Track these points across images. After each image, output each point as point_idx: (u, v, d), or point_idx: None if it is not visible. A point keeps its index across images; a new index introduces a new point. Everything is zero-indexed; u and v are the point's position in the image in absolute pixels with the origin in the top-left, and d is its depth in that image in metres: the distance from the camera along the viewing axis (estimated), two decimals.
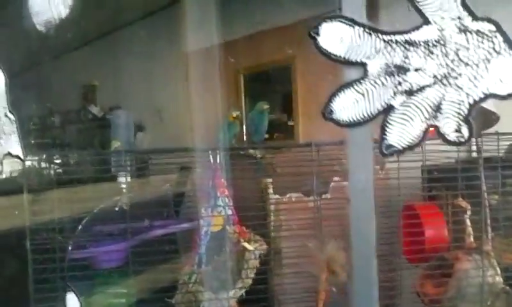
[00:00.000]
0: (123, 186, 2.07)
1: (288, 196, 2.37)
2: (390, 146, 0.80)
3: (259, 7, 3.89)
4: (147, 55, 4.75)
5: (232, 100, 4.28)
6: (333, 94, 0.80)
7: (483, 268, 1.80)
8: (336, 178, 2.41)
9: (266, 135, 3.86)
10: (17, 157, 1.15)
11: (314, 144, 1.92)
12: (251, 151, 2.87)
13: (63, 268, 1.72)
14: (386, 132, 0.80)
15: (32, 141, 5.35)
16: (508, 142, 1.92)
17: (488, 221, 1.93)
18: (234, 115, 3.61)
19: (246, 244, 1.84)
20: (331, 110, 0.80)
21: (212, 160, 1.88)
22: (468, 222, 1.95)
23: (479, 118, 2.00)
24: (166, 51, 4.57)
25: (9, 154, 1.15)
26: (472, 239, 1.94)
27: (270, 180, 2.40)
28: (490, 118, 2.03)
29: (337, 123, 0.80)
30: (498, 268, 1.85)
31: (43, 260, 1.68)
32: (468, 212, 1.94)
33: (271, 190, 2.36)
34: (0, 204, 1.91)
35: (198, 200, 1.99)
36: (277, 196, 2.37)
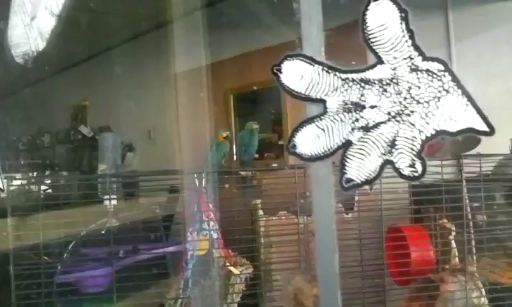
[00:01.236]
0: (110, 209, 2.06)
1: (277, 215, 2.36)
2: (350, 179, 0.83)
3: (247, 28, 3.93)
4: (137, 76, 4.78)
5: (221, 120, 4.30)
6: (296, 129, 0.84)
7: (466, 290, 1.80)
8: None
9: (256, 155, 3.86)
10: None
11: (297, 167, 1.93)
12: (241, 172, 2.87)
13: (48, 293, 1.70)
14: (345, 166, 0.82)
15: (22, 162, 5.36)
16: (491, 164, 1.94)
17: (473, 242, 1.94)
18: (224, 135, 3.62)
19: (231, 268, 1.83)
20: (294, 145, 0.83)
21: (197, 183, 1.88)
22: (453, 243, 1.95)
23: (461, 139, 2.02)
24: (155, 72, 4.60)
25: None
26: (457, 260, 1.95)
27: (259, 201, 2.40)
28: (472, 139, 2.04)
29: (300, 156, 0.83)
30: (483, 290, 1.86)
31: (27, 285, 1.66)
32: (453, 233, 1.95)
33: (260, 211, 2.36)
34: None
35: (183, 223, 2.00)
36: (267, 216, 2.37)
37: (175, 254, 2.10)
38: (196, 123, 3.39)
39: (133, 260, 2.04)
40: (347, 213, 2.28)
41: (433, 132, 0.81)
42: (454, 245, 1.95)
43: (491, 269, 1.96)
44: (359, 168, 0.82)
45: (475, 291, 1.85)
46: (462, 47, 3.13)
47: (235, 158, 4.17)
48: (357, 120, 0.83)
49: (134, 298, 1.87)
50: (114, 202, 2.08)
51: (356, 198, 2.23)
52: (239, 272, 1.84)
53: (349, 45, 0.92)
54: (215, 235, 1.86)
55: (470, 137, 1.94)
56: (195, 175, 1.88)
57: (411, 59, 0.82)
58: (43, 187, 2.08)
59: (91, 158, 4.91)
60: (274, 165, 3.87)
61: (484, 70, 3.03)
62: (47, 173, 5.14)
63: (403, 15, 0.80)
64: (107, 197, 1.91)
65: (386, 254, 2.04)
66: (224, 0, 4.05)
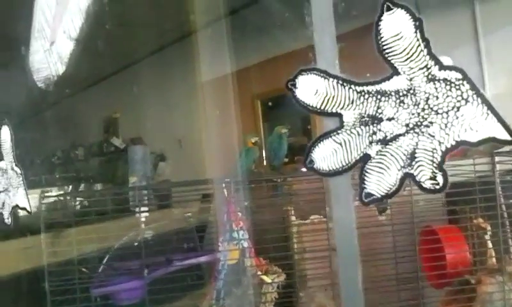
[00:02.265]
0: (141, 221, 2.09)
1: (310, 218, 2.34)
2: (370, 194, 0.81)
3: (272, 33, 3.93)
4: (165, 87, 4.84)
5: (250, 126, 4.30)
6: (313, 145, 0.83)
7: (504, 290, 1.76)
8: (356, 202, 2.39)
9: (286, 159, 3.85)
10: (24, 209, 1.18)
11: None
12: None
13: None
14: (364, 181, 0.81)
15: (57, 175, 5.48)
16: None
17: (510, 241, 1.89)
18: (253, 141, 3.62)
19: (263, 276, 1.83)
20: (312, 160, 0.82)
21: (226, 193, 1.88)
22: (489, 243, 1.91)
23: None
24: (182, 81, 4.64)
25: (17, 206, 1.17)
26: (494, 260, 1.90)
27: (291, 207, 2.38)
28: None
29: (318, 172, 0.82)
30: None
31: (63, 301, 1.69)
32: (489, 232, 1.90)
33: (293, 217, 2.35)
34: (20, 245, 1.94)
35: (216, 233, 2.00)
36: (299, 221, 2.35)
37: (210, 264, 2.10)
38: (225, 131, 3.40)
39: (166, 271, 2.06)
40: (380, 215, 2.25)
41: (454, 143, 0.79)
42: (490, 245, 1.91)
43: None
44: (378, 182, 0.81)
45: None
46: (490, 41, 3.07)
47: (264, 164, 4.17)
48: (374, 133, 0.81)
49: None
50: (145, 214, 2.11)
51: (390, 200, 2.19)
52: (270, 281, 1.84)
53: (360, 51, 0.90)
54: (245, 244, 1.85)
55: None
56: (223, 185, 1.88)
57: (428, 68, 0.80)
58: (76, 201, 2.13)
59: (124, 169, 4.98)
60: (303, 169, 3.84)
61: None
62: (82, 185, 5.24)
63: (417, 23, 0.78)
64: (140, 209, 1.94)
65: (421, 256, 2.01)
66: (248, 7, 4.07)
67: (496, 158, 1.88)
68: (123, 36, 4.38)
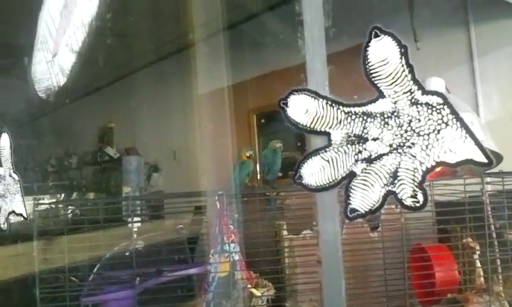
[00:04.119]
0: (134, 231, 2.09)
1: (302, 234, 2.35)
2: (354, 210, 0.85)
3: (269, 48, 3.96)
4: (161, 98, 4.86)
5: (245, 140, 4.32)
6: (302, 161, 0.87)
7: None
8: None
9: (280, 174, 3.86)
10: (21, 215, 1.19)
11: None
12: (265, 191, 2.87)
13: None
14: (350, 197, 0.85)
15: (50, 183, 5.48)
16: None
17: (498, 261, 1.91)
18: (247, 154, 3.62)
19: (253, 290, 1.84)
20: (301, 176, 0.87)
21: (218, 205, 1.89)
22: (477, 262, 1.93)
23: None
24: (178, 93, 4.67)
25: (13, 212, 1.19)
26: (482, 280, 1.92)
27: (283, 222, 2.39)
28: (494, 158, 2.02)
29: (306, 187, 0.86)
30: None
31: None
32: (478, 252, 1.92)
33: (285, 232, 2.36)
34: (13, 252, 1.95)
35: (207, 245, 2.01)
36: (291, 236, 2.36)
37: (201, 275, 2.11)
38: (220, 144, 3.42)
39: (156, 282, 2.06)
40: (372, 232, 2.27)
41: (433, 163, 0.83)
42: (478, 264, 1.92)
43: None
44: (363, 198, 0.84)
45: None
46: (485, 62, 3.11)
47: (258, 177, 4.18)
48: (360, 152, 0.85)
49: None
50: (138, 224, 2.11)
51: (382, 217, 2.22)
52: (260, 294, 1.85)
53: (347, 71, 0.94)
54: (236, 257, 1.87)
55: (492, 154, 1.92)
56: (216, 197, 1.89)
57: (412, 93, 0.83)
58: (68, 210, 2.13)
59: (117, 179, 4.99)
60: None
61: (507, 84, 3.01)
62: (75, 194, 5.24)
63: (403, 50, 0.82)
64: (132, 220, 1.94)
65: (411, 274, 2.02)
66: (246, 22, 4.10)
67: (488, 179, 1.91)
68: (122, 48, 4.41)
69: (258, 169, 4.20)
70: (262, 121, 4.47)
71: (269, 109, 4.35)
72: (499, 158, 2.02)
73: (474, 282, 1.95)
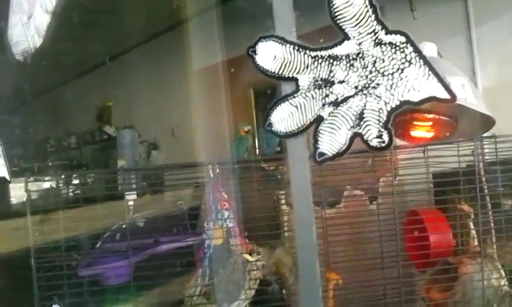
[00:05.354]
0: (130, 203, 2.11)
1: None
2: (322, 153, 0.86)
3: (263, 22, 3.93)
4: (158, 76, 4.85)
5: (243, 115, 4.32)
6: (271, 108, 0.88)
7: (483, 272, 1.79)
8: (348, 187, 2.43)
9: (278, 148, 3.87)
10: (4, 179, 1.20)
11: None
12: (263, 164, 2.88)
13: (69, 285, 1.76)
14: (318, 141, 0.86)
15: (50, 163, 5.50)
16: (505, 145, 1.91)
17: (492, 224, 1.92)
18: (245, 129, 3.63)
19: (247, 256, 1.86)
20: (271, 123, 0.87)
21: (211, 174, 1.91)
22: (471, 226, 1.94)
23: (476, 121, 2.01)
24: (175, 70, 4.66)
25: None
26: (475, 243, 1.93)
27: (282, 192, 2.41)
28: (487, 122, 2.03)
29: (276, 134, 0.87)
30: (502, 272, 1.84)
31: (50, 278, 1.72)
32: (472, 216, 1.93)
33: (283, 203, 2.37)
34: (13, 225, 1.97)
35: (204, 214, 2.03)
36: (289, 209, 2.37)
37: (199, 246, 2.13)
38: (217, 119, 3.42)
39: (153, 252, 2.09)
40: (371, 204, 2.28)
41: (398, 103, 0.84)
42: (472, 228, 1.94)
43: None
44: (330, 142, 0.85)
45: (494, 273, 1.83)
46: (482, 31, 3.10)
47: (257, 152, 4.19)
48: (327, 96, 0.86)
49: (159, 289, 1.92)
50: (133, 197, 2.13)
51: (380, 189, 2.23)
52: (254, 260, 1.87)
53: None
54: (230, 224, 1.88)
55: (484, 117, 1.93)
56: (209, 166, 1.91)
57: (375, 33, 0.84)
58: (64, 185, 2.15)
59: (116, 157, 5.01)
60: None
61: (503, 53, 3.00)
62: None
63: None
64: (128, 192, 1.96)
65: (406, 239, 2.04)
66: None
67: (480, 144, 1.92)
68: (115, 24, 4.39)
69: (256, 144, 4.21)
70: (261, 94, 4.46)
71: (266, 82, 4.34)
72: (491, 122, 2.03)
73: (468, 245, 1.96)
